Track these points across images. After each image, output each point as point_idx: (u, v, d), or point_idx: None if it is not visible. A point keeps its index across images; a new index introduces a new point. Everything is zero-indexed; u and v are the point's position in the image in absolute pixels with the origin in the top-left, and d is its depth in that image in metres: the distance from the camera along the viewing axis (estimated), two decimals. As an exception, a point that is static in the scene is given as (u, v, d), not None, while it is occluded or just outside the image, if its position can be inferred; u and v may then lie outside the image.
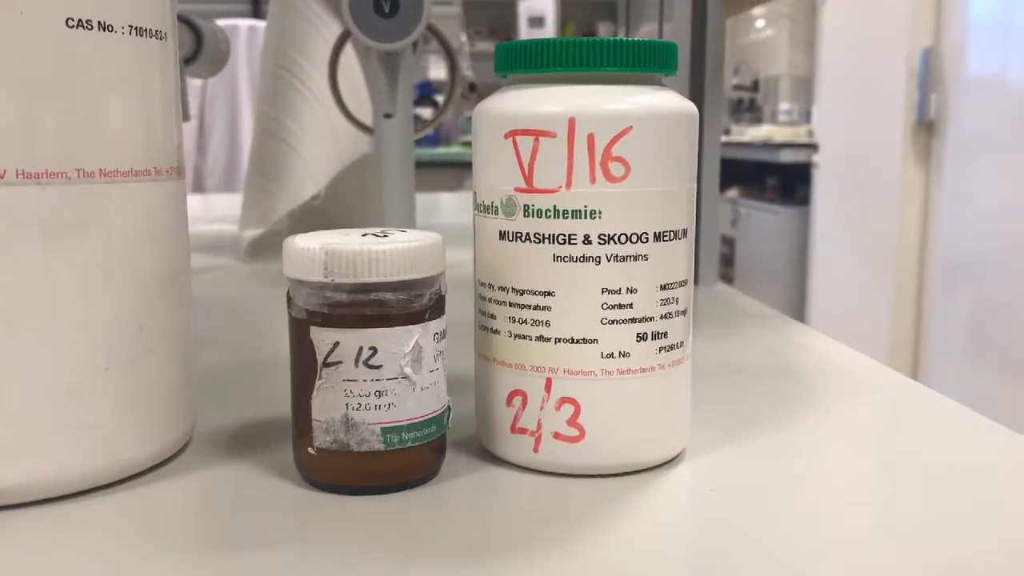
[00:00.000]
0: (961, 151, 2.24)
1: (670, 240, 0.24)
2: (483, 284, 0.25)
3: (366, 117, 0.65)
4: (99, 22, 0.22)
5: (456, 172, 2.28)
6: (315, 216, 0.69)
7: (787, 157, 3.16)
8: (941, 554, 0.21)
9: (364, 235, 0.24)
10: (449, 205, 1.14)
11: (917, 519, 0.23)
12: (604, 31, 4.34)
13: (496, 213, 0.25)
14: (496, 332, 0.25)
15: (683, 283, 0.25)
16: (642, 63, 0.24)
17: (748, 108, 3.70)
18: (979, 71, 2.15)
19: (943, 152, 2.33)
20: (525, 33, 4.22)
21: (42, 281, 0.22)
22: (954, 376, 2.23)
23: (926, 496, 0.24)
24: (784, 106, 3.49)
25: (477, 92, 3.91)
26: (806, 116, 3.40)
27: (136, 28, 0.23)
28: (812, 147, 3.06)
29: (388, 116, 0.48)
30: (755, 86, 3.74)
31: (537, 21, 4.21)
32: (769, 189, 3.39)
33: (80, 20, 0.22)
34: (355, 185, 0.76)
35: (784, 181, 3.34)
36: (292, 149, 0.68)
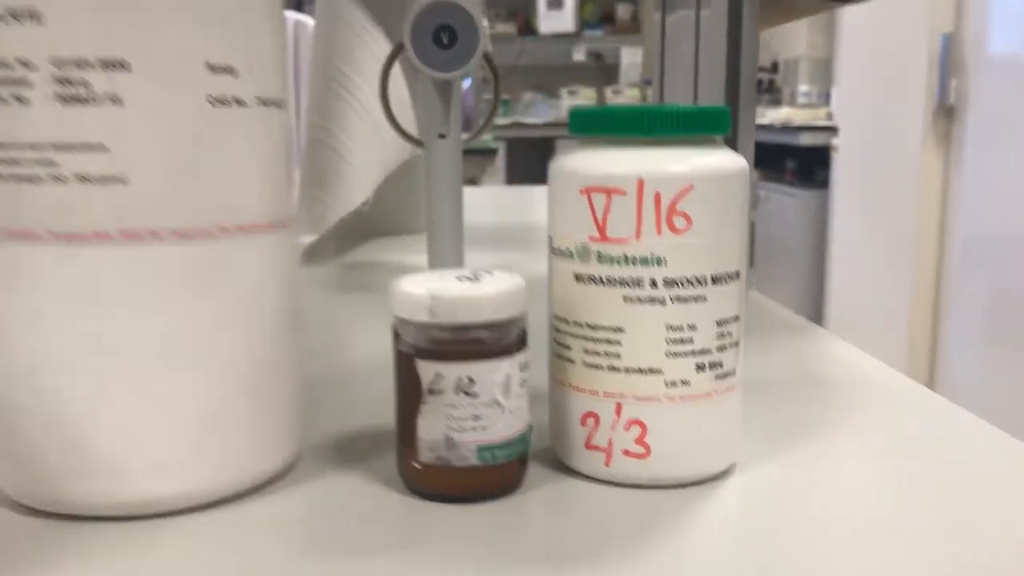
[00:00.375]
0: (981, 136, 2.24)
1: (725, 282, 0.28)
2: (559, 318, 0.29)
3: (409, 124, 0.68)
4: (234, 98, 0.26)
5: (478, 160, 2.31)
6: (363, 220, 0.73)
7: (806, 140, 3.17)
8: (973, 567, 0.25)
9: (459, 278, 0.28)
10: (469, 201, 1.17)
11: (949, 532, 0.26)
12: (623, 12, 4.33)
13: (572, 257, 0.28)
14: (571, 361, 0.29)
15: (736, 318, 0.28)
16: (701, 127, 0.27)
17: (767, 89, 3.70)
18: (1000, 56, 2.15)
19: (963, 136, 2.34)
20: (544, 15, 4.22)
21: (192, 323, 0.26)
22: (972, 356, 2.25)
23: (954, 508, 0.28)
24: (803, 88, 3.49)
25: (498, 76, 3.90)
26: (825, 98, 3.40)
27: (263, 100, 0.27)
28: (831, 130, 3.06)
29: (442, 136, 0.52)
30: (774, 68, 3.74)
31: (556, 3, 4.21)
32: (788, 172, 3.40)
33: (219, 98, 0.26)
34: (400, 190, 0.79)
35: (803, 164, 3.35)
36: (341, 158, 0.72)
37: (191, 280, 0.26)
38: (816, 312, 3.49)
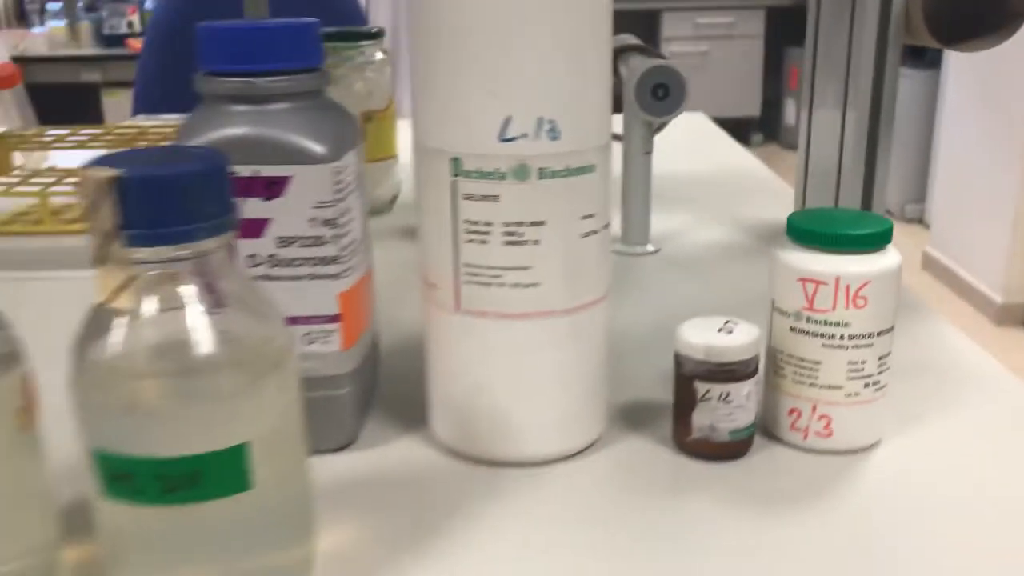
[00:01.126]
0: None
1: (885, 334, 0.45)
2: (777, 350, 0.47)
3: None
4: (592, 231, 0.44)
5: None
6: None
7: (921, 19, 3.12)
8: None
9: (719, 330, 0.46)
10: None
11: None
12: None
13: (789, 316, 0.46)
14: (784, 376, 0.47)
15: (889, 353, 0.46)
16: (877, 243, 0.44)
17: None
18: None
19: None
20: None
21: (571, 355, 0.45)
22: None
23: None
24: (921, -39, 3.40)
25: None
26: (943, -27, 3.31)
27: (604, 226, 0.45)
28: (948, 10, 3.02)
29: (647, 154, 0.68)
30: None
31: None
32: (899, 51, 3.37)
33: (586, 233, 0.43)
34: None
35: (915, 43, 3.31)
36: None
37: (571, 332, 0.44)
38: (920, 192, 3.53)
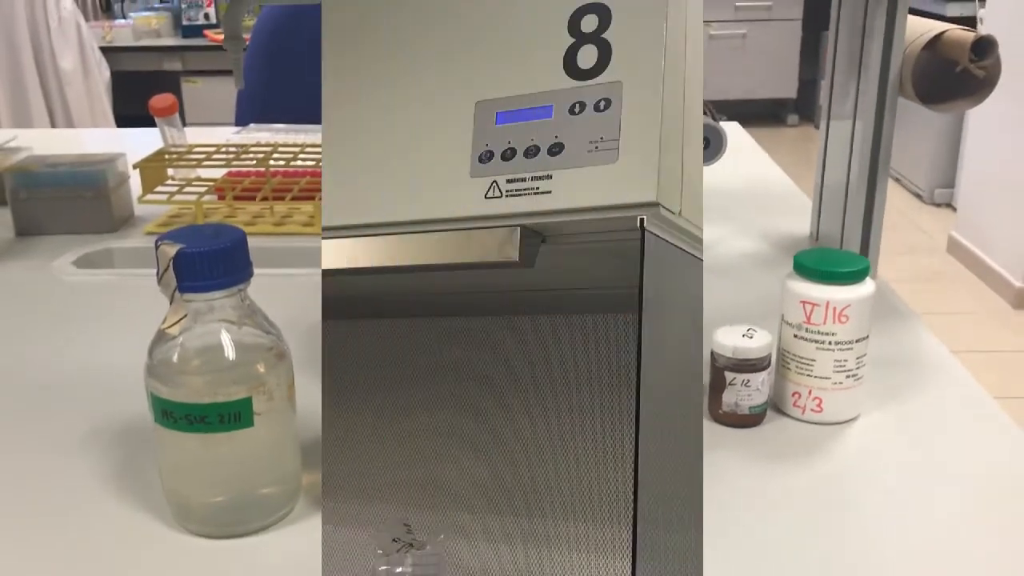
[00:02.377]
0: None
1: (861, 341, 0.63)
2: (785, 351, 0.65)
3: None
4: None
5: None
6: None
7: (953, 11, 3.23)
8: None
9: (743, 335, 0.64)
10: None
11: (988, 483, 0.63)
12: None
13: (793, 326, 0.64)
14: (789, 369, 0.65)
15: (865, 354, 0.64)
16: (856, 278, 0.62)
17: (919, -49, 3.69)
18: None
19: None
20: None
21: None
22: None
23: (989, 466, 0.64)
24: (957, -48, 3.49)
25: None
26: (977, -35, 3.40)
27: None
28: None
29: (692, 186, 0.87)
30: (929, -73, 3.71)
31: None
32: (933, 40, 3.47)
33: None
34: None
35: (949, 33, 3.41)
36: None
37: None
38: (950, 178, 3.65)
